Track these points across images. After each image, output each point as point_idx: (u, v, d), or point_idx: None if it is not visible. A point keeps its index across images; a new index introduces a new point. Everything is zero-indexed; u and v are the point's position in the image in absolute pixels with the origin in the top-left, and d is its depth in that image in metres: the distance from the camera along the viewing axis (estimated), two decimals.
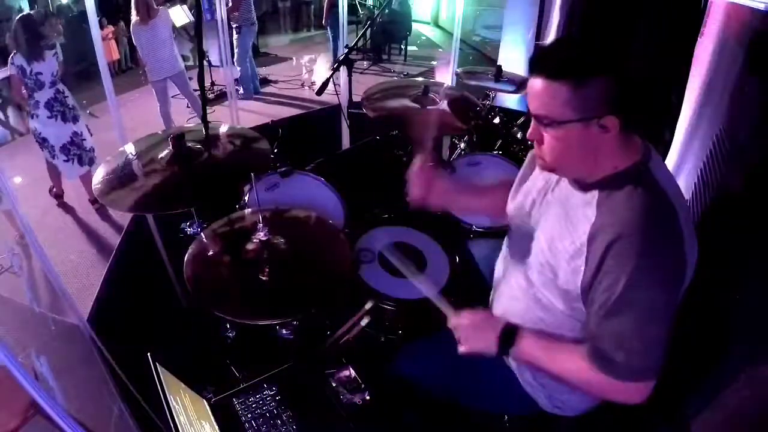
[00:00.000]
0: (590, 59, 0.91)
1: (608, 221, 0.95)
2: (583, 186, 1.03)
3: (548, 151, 0.99)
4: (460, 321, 1.15)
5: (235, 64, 5.61)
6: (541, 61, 0.95)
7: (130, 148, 1.55)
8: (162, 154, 1.45)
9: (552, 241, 1.06)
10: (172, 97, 4.68)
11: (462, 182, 1.54)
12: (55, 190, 3.73)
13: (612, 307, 0.92)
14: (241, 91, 5.76)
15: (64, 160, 3.38)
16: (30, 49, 3.12)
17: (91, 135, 3.61)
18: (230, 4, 5.21)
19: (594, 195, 1.00)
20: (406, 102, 2.18)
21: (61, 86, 3.32)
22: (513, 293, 1.19)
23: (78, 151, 3.41)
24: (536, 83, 0.94)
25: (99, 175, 1.42)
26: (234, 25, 5.40)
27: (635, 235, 0.90)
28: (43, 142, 3.33)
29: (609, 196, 0.97)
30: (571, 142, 0.95)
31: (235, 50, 5.55)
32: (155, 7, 4.21)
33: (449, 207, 1.47)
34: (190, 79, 5.72)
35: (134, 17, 4.19)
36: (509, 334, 1.08)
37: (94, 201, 3.54)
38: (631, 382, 0.95)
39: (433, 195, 1.37)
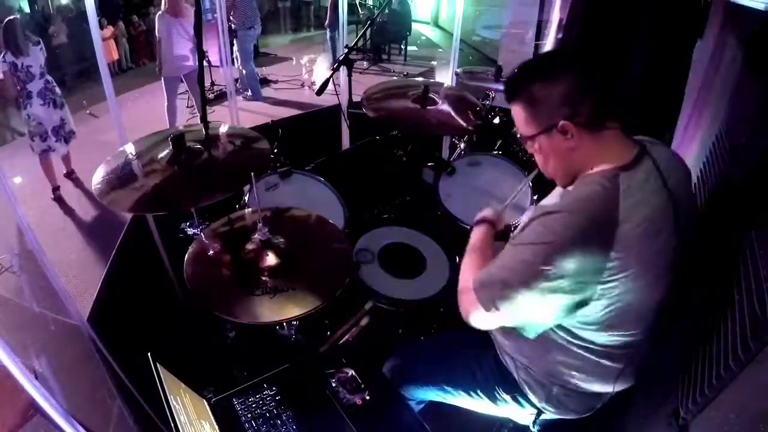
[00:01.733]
0: (525, 80, 1.04)
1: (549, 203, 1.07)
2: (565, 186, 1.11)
3: (538, 162, 1.11)
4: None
5: (240, 67, 5.62)
6: (504, 88, 1.10)
7: (130, 148, 1.55)
8: (162, 154, 1.45)
9: None
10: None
11: None
12: (50, 183, 3.88)
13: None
14: (249, 93, 5.79)
15: (55, 140, 3.85)
16: (18, 47, 3.55)
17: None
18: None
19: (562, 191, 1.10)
20: (406, 102, 2.18)
21: (48, 77, 3.76)
22: None
23: (64, 133, 3.91)
24: (511, 107, 1.09)
25: (99, 175, 1.41)
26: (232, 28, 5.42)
27: (553, 210, 0.97)
28: (36, 128, 3.72)
29: (570, 190, 1.05)
30: (546, 152, 1.06)
31: (237, 54, 5.58)
32: (185, 2, 4.19)
33: None
34: None
35: (164, 6, 4.17)
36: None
37: (69, 173, 4.12)
38: (470, 294, 1.06)
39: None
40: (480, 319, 1.07)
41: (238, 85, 5.79)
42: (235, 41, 5.51)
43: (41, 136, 3.76)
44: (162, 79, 4.40)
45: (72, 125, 3.99)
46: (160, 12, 4.19)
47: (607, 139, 1.01)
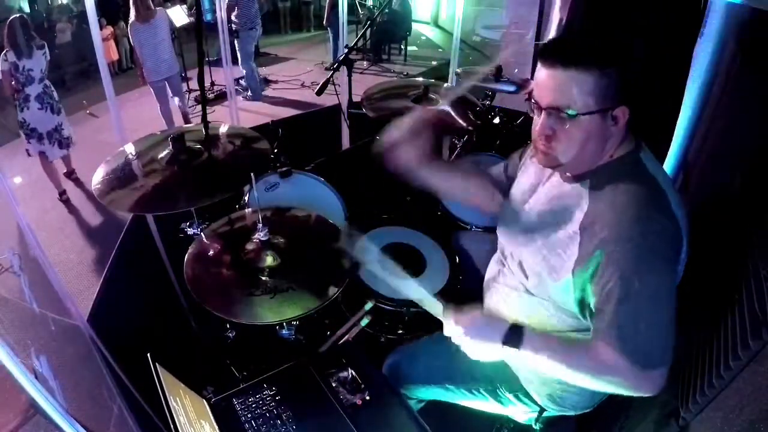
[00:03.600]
0: (612, 48, 0.93)
1: (601, 209, 0.96)
2: (576, 176, 1.05)
3: (564, 145, 0.98)
4: (459, 324, 1.08)
5: (240, 67, 5.62)
6: (567, 50, 0.94)
7: (130, 148, 1.55)
8: (162, 154, 1.45)
9: (547, 234, 1.07)
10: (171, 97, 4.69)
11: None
12: (56, 188, 3.88)
13: (620, 296, 0.90)
14: (249, 93, 5.79)
15: (49, 143, 3.83)
16: (21, 48, 3.48)
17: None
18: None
19: (586, 183, 1.02)
20: (406, 102, 2.18)
21: (47, 82, 3.73)
22: (506, 292, 1.20)
23: (59, 137, 3.88)
24: (558, 74, 0.93)
25: (99, 175, 1.42)
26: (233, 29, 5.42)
27: (632, 222, 0.91)
28: (31, 132, 3.71)
29: (601, 184, 1.00)
30: (589, 133, 0.96)
31: (238, 54, 5.58)
32: (152, 7, 4.21)
33: (416, 170, 1.26)
34: (190, 79, 5.72)
35: (132, 16, 4.19)
36: (516, 331, 1.01)
37: (69, 173, 4.18)
38: (648, 371, 0.89)
39: (410, 148, 1.21)
40: (665, 375, 0.91)
41: (237, 85, 5.80)
42: (236, 42, 5.52)
43: (37, 138, 3.75)
44: (149, 85, 4.43)
45: (69, 132, 3.95)
46: (131, 21, 4.21)
47: (626, 132, 1.02)
